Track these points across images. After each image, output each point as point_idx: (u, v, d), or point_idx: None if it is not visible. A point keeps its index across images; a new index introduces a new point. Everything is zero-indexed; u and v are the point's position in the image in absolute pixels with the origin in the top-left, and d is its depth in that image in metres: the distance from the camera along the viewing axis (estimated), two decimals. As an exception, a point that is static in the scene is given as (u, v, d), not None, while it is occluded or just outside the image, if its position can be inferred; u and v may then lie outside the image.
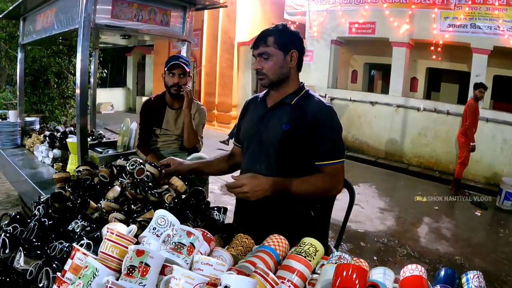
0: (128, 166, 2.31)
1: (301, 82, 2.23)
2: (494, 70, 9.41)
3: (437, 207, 6.97)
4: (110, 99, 16.39)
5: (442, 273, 1.67)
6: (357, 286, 1.29)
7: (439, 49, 9.14)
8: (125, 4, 3.25)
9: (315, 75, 10.95)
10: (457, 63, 10.11)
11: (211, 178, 6.83)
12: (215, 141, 10.30)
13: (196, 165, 2.51)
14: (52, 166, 3.71)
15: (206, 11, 12.84)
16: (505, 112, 8.01)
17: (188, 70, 3.29)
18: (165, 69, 3.30)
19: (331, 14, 10.67)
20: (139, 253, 1.24)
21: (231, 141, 9.99)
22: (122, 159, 2.62)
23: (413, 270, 1.53)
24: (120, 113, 15.89)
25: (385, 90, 10.76)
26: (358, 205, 6.47)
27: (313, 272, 1.53)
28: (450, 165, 9.01)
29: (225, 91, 13.34)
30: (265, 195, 1.95)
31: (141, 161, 2.34)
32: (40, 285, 1.42)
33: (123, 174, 2.43)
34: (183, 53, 3.77)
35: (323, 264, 1.57)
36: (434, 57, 9.36)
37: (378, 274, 1.51)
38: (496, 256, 5.17)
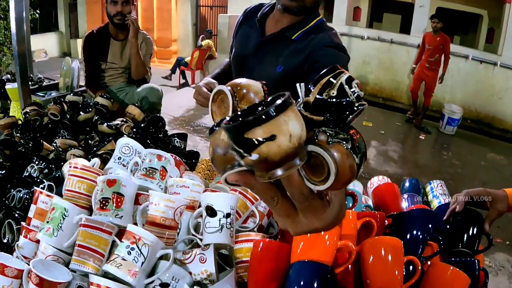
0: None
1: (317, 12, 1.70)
2: (438, 3, 9.45)
3: (383, 131, 7.24)
4: (43, 45, 15.36)
5: (407, 183, 1.73)
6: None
7: (383, -22, 9.11)
8: None
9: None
10: (401, -7, 10.13)
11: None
12: (157, 77, 9.86)
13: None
14: (-7, 118, 3.50)
15: None
16: (446, 44, 8.21)
17: None
18: None
19: None
20: (111, 182, 1.18)
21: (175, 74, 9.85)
22: (72, 94, 2.47)
23: (380, 180, 1.57)
24: (54, 59, 14.99)
25: (328, 19, 10.60)
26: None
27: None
28: (393, 92, 9.30)
29: (164, 26, 12.81)
30: None
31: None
32: (5, 240, 1.34)
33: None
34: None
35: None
36: (377, -14, 9.34)
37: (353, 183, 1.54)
38: (442, 177, 5.41)
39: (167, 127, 6.43)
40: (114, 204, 1.16)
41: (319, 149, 0.54)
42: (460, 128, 7.60)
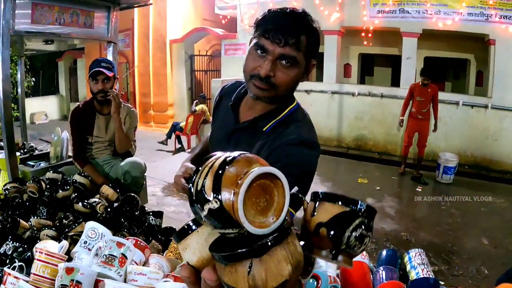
0: None
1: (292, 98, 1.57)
2: (424, 52, 9.72)
3: (379, 187, 7.16)
4: (44, 108, 15.65)
5: (384, 254, 1.71)
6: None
7: (370, 35, 9.32)
8: (46, 8, 3.12)
9: (249, 68, 10.98)
10: (389, 47, 10.34)
11: (153, 180, 6.70)
12: (153, 142, 10.15)
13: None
14: (-19, 188, 3.53)
15: (136, 10, 12.56)
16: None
17: (111, 74, 3.16)
18: (88, 76, 3.18)
19: (262, 6, 10.64)
20: (69, 270, 1.19)
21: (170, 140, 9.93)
22: (52, 171, 2.52)
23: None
24: (55, 121, 15.23)
25: (320, 78, 10.92)
26: (303, 193, 6.55)
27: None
28: (388, 145, 9.32)
29: (160, 91, 13.06)
30: None
31: None
32: (-23, 318, 1.34)
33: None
34: (109, 55, 3.67)
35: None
36: (365, 43, 9.53)
37: (320, 262, 1.52)
38: (441, 228, 5.38)
39: (160, 194, 6.32)
40: (72, 293, 1.17)
41: None
42: (458, 175, 7.53)
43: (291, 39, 1.32)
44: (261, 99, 1.43)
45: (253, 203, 0.54)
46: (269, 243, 0.50)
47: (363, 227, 0.64)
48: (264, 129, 1.48)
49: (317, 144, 1.47)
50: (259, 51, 1.37)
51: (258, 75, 1.36)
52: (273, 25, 1.34)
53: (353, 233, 0.64)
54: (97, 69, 3.10)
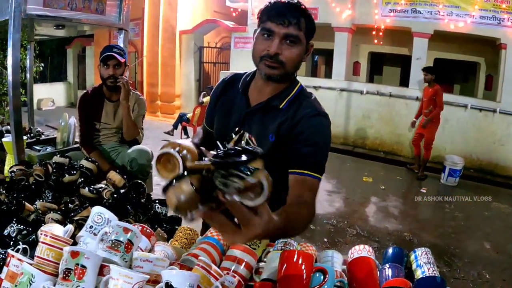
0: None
1: (296, 79, 1.76)
2: (434, 53, 9.71)
3: (383, 187, 7.14)
4: (51, 94, 15.70)
5: (390, 251, 1.68)
6: (304, 272, 1.27)
7: (380, 33, 9.27)
8: (58, -8, 3.09)
9: (259, 63, 10.96)
10: (399, 47, 10.32)
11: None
12: (159, 132, 10.16)
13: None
14: (-11, 170, 3.53)
15: (146, -1, 12.58)
16: (445, 93, 8.23)
17: (122, 60, 3.16)
18: (100, 61, 3.19)
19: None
20: (74, 254, 1.18)
21: (179, 129, 9.92)
22: (59, 155, 2.51)
23: (360, 251, 1.54)
24: (61, 108, 15.25)
25: (328, 75, 10.86)
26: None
27: (260, 260, 1.51)
28: (394, 145, 9.29)
29: (168, 81, 13.07)
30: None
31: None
32: (-21, 299, 1.33)
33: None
34: (120, 42, 3.66)
35: (268, 252, 1.54)
36: (376, 41, 9.47)
37: (326, 257, 1.52)
38: (443, 230, 5.38)
39: (162, 184, 6.41)
40: (76, 276, 1.16)
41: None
42: (462, 178, 7.51)
43: (293, 19, 1.53)
44: (272, 77, 1.62)
45: (166, 168, 1.05)
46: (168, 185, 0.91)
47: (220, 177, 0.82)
48: (280, 106, 1.67)
49: (328, 115, 1.68)
50: (265, 35, 1.57)
51: (268, 55, 1.56)
52: (276, 10, 1.55)
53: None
54: (109, 53, 3.10)
